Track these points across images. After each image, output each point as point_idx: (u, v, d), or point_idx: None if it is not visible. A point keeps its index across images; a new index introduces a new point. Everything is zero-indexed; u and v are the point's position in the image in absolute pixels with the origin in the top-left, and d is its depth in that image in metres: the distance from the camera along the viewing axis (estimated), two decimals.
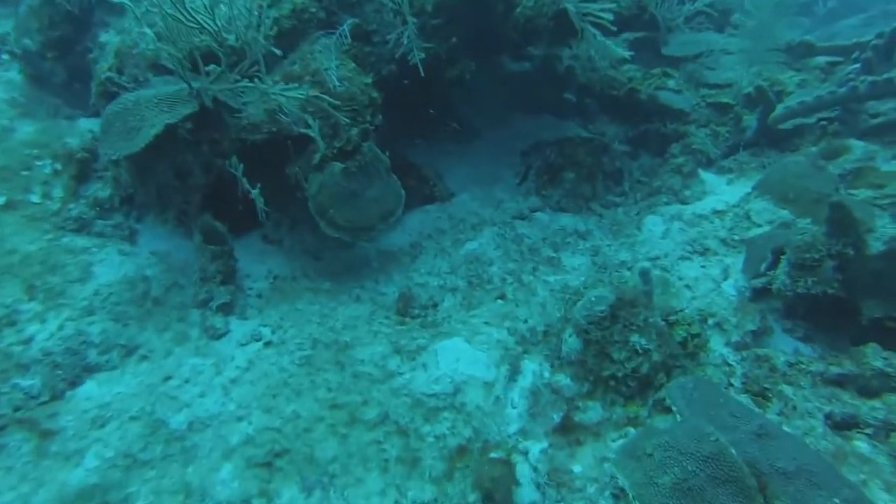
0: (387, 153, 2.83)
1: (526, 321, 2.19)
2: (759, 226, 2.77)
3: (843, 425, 1.83)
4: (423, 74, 2.55)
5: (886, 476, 1.63)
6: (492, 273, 2.54)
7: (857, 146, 2.88)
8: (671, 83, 3.90)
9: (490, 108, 4.17)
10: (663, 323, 1.83)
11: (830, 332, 2.26)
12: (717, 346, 2.18)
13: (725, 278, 2.57)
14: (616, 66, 4.01)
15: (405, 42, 2.70)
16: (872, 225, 2.55)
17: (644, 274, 1.85)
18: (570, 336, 1.85)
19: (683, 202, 3.11)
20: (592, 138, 3.59)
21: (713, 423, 1.48)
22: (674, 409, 1.54)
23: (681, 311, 2.01)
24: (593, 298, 1.80)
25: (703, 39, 4.33)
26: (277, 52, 2.34)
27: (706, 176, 3.29)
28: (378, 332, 2.20)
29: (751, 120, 3.46)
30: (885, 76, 2.79)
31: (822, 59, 3.77)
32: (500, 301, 2.35)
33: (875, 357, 1.96)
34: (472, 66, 3.06)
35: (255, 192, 2.29)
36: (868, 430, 1.79)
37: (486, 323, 2.19)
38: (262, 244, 2.78)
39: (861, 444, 1.74)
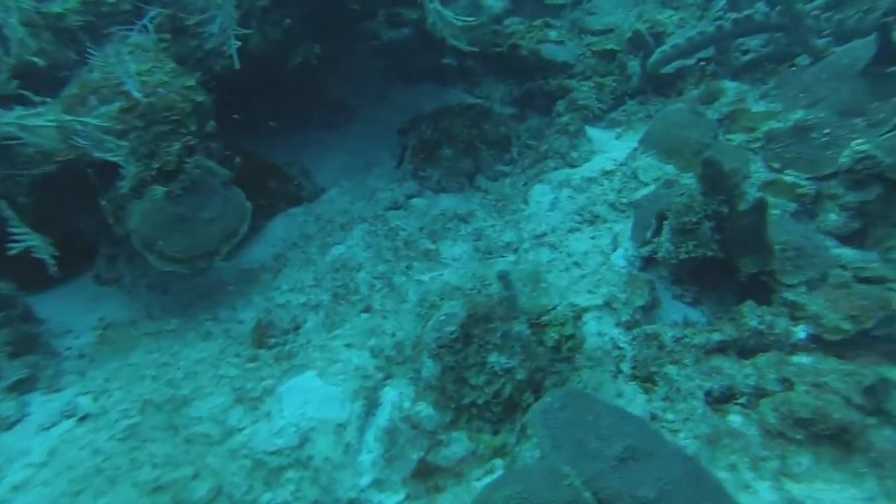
0: (237, 160, 2.45)
1: (393, 335, 1.94)
2: (646, 184, 2.60)
3: (722, 399, 1.73)
4: (238, 66, 2.15)
5: (755, 450, 1.54)
6: (359, 281, 2.25)
7: (730, 87, 2.73)
8: (553, 34, 3.63)
9: (366, 83, 3.79)
10: (529, 332, 1.62)
11: (718, 292, 2.16)
12: (608, 328, 2.02)
13: (615, 248, 2.40)
14: (498, 22, 3.70)
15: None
16: (748, 171, 2.44)
17: (503, 278, 1.62)
18: (427, 359, 1.61)
19: (572, 165, 2.90)
20: (474, 105, 3.29)
21: (578, 450, 1.29)
22: (535, 440, 1.34)
23: (552, 309, 1.81)
24: (443, 318, 1.56)
25: None
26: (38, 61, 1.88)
27: (594, 133, 3.08)
28: (223, 376, 1.89)
29: (635, 66, 3.27)
30: (745, 13, 2.63)
31: None
32: (365, 315, 2.08)
33: (751, 316, 1.87)
34: (317, 50, 2.66)
35: (36, 241, 1.86)
36: (742, 400, 1.70)
37: (347, 345, 1.92)
38: (94, 287, 2.37)
39: (734, 419, 1.66)
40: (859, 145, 2.15)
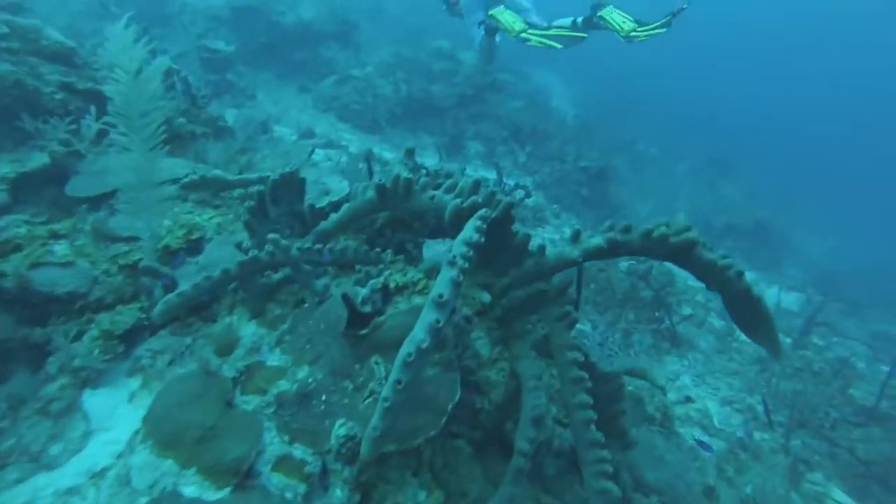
0: None
1: None
2: (142, 494, 2.10)
3: None
4: None
5: None
6: None
7: (247, 334, 2.56)
8: (60, 250, 2.90)
9: None
10: None
11: None
12: None
13: None
14: None
15: None
16: (261, 446, 2.20)
17: None
18: None
19: (49, 467, 2.18)
20: None
21: None
22: None
23: None
24: None
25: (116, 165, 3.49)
26: None
27: (97, 397, 2.46)
28: None
29: (160, 291, 2.82)
30: (251, 255, 2.50)
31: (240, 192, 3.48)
32: None
33: None
34: None
35: None
36: None
37: None
38: None
39: None
40: (340, 427, 2.13)
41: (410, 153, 3.13)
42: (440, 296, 1.77)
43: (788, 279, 12.87)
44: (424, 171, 3.32)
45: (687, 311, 7.65)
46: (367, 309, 2.44)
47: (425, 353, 1.72)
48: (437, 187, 2.49)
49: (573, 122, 16.13)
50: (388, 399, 1.68)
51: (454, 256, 1.88)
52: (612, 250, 2.40)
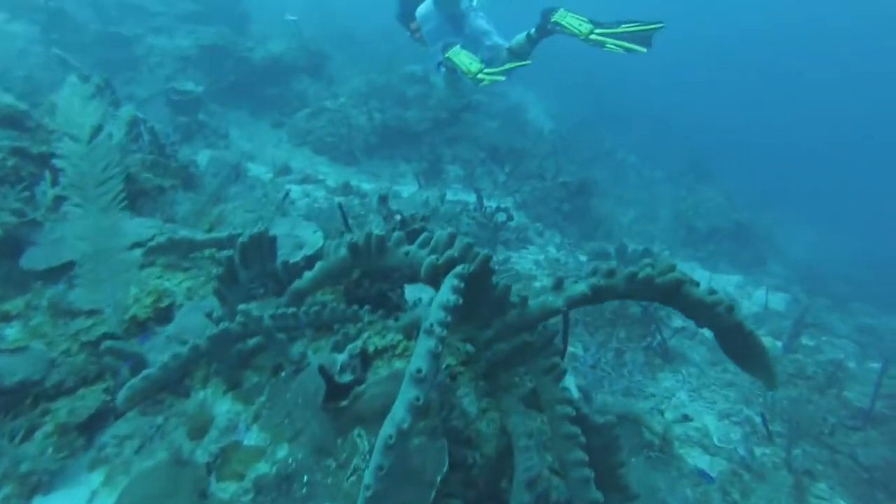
0: None
1: None
2: None
3: None
4: None
5: None
6: None
7: (221, 412, 2.41)
8: (12, 332, 2.72)
9: None
10: None
11: None
12: None
13: None
14: None
15: None
16: None
17: None
18: None
19: None
20: None
21: None
22: None
23: None
24: None
25: (72, 234, 3.33)
26: None
27: (58, 488, 2.28)
28: None
29: (125, 372, 2.66)
30: (222, 327, 2.36)
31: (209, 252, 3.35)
32: None
33: None
34: None
35: None
36: None
37: None
38: None
39: None
40: None
41: (384, 200, 3.04)
42: (418, 370, 1.67)
43: (773, 277, 12.98)
44: (399, 219, 3.23)
45: (678, 323, 7.61)
46: (347, 377, 2.31)
47: (407, 434, 1.60)
48: (415, 234, 2.40)
49: (550, 136, 16.25)
50: (369, 487, 1.56)
51: (431, 325, 1.77)
52: (597, 296, 2.31)
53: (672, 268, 2.22)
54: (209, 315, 2.63)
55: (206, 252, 3.27)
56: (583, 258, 9.19)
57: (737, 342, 2.30)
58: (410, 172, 10.54)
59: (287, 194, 4.83)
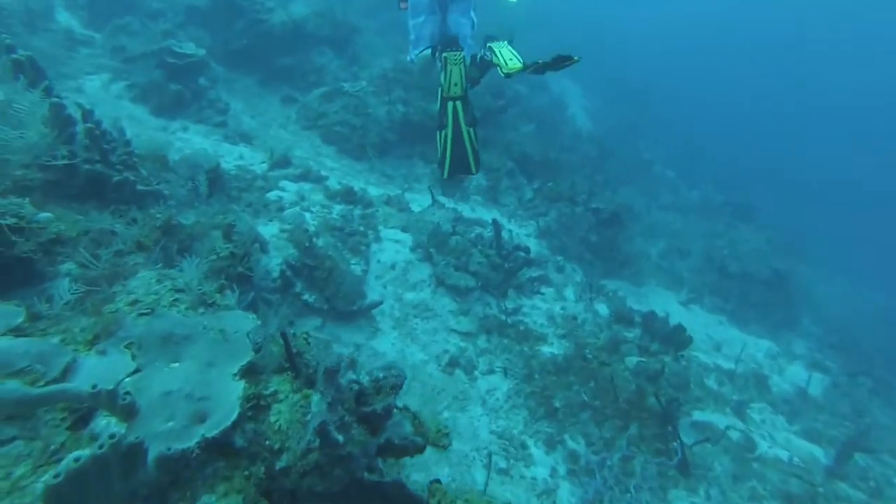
0: None
1: None
2: None
3: None
4: None
5: None
6: None
7: None
8: None
9: None
10: None
11: None
12: None
13: None
14: None
15: None
16: None
17: None
18: None
19: None
20: None
21: None
22: None
23: None
24: None
25: None
26: None
27: None
28: None
29: None
30: None
31: None
32: None
33: None
34: None
35: None
36: None
37: None
38: None
39: None
40: None
41: (331, 375, 2.00)
42: None
43: (806, 339, 11.86)
44: (356, 389, 2.22)
45: (700, 416, 6.60)
46: None
47: None
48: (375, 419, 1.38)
49: (587, 142, 14.89)
50: None
51: None
52: None
53: None
54: None
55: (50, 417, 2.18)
56: (604, 311, 8.11)
57: None
58: (427, 176, 9.39)
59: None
